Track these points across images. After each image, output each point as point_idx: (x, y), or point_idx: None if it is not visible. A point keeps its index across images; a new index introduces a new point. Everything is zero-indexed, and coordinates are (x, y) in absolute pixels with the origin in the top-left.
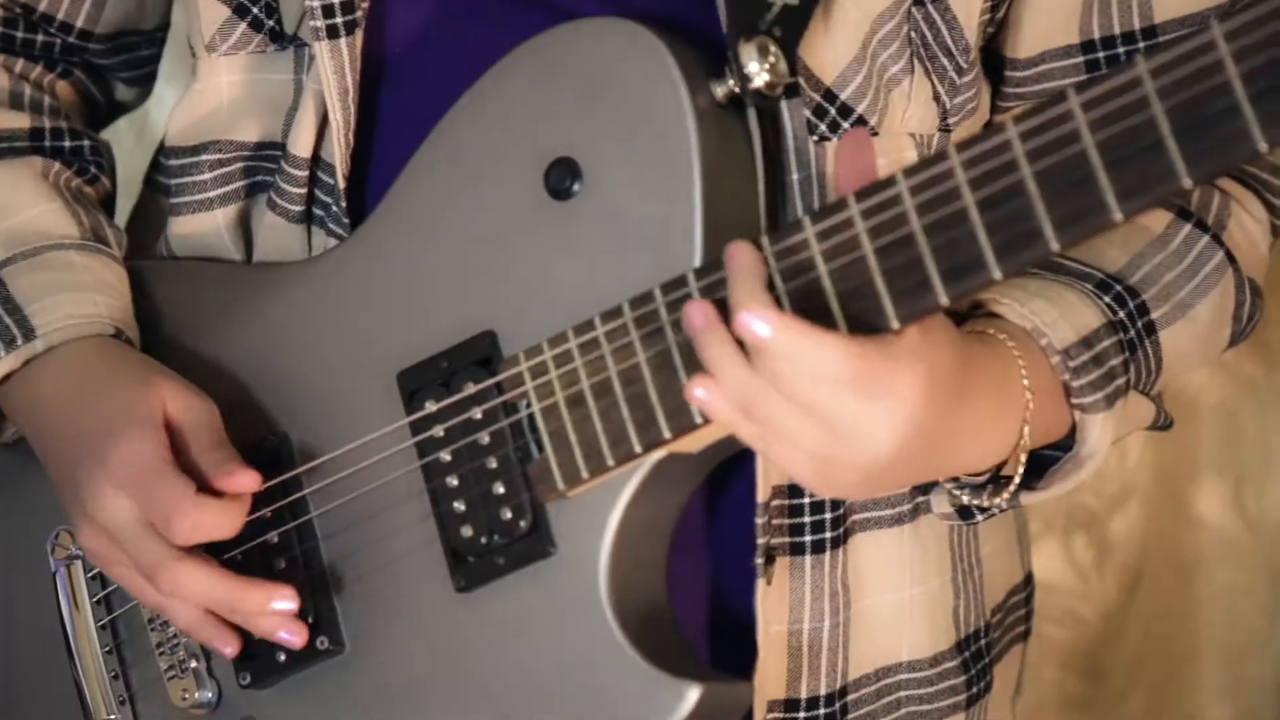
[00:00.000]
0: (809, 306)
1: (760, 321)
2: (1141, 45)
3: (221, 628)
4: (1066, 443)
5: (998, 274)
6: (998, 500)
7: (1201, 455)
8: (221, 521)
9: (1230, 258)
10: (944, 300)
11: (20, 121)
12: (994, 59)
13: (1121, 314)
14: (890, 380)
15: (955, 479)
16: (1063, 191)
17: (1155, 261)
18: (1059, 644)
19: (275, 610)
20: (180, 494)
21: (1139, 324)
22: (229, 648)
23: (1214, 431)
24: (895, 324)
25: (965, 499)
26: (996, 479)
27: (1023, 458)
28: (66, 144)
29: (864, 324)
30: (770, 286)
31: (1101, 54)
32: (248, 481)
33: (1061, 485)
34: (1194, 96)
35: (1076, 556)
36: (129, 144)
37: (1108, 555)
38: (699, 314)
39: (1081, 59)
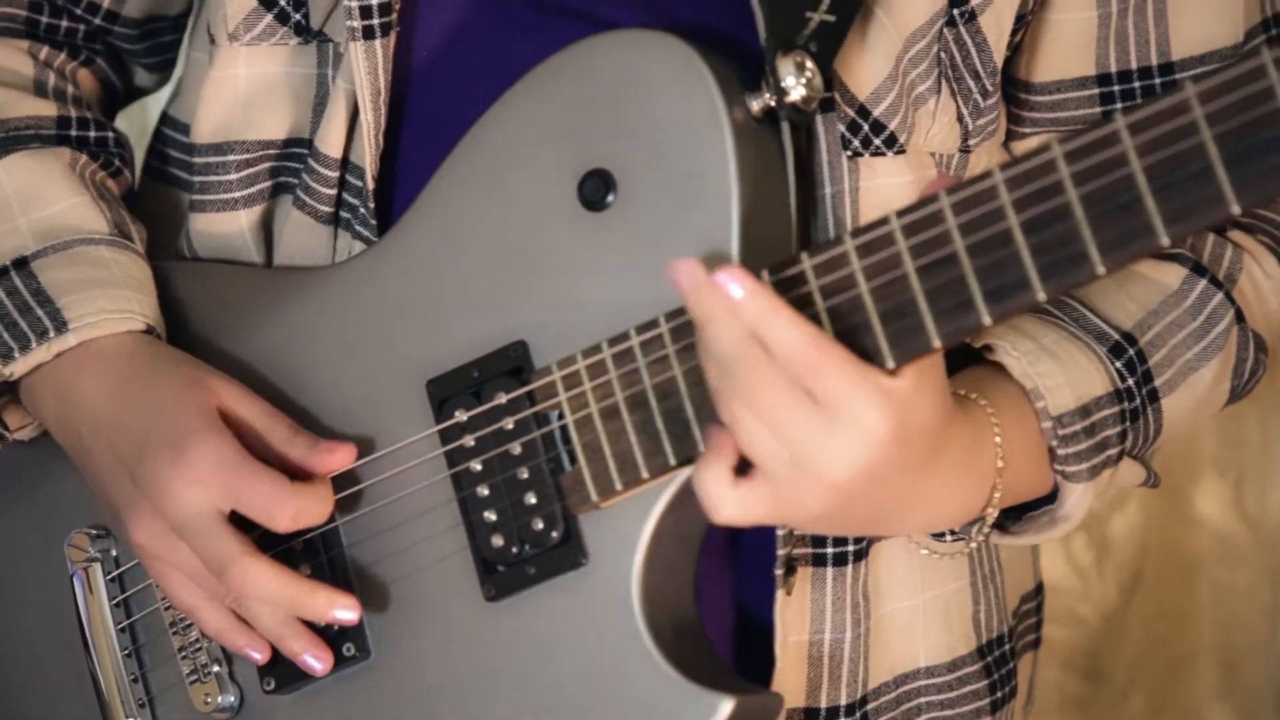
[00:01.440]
0: (850, 324)
1: (735, 284)
2: (1158, 81)
3: (252, 634)
4: (1051, 497)
5: (1042, 295)
6: (969, 544)
7: (1201, 455)
8: (320, 506)
9: (1239, 316)
10: (987, 320)
11: (48, 109)
12: (1008, 81)
13: (1130, 381)
14: (857, 411)
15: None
16: (1109, 215)
17: (1168, 320)
18: (1059, 644)
19: (336, 618)
20: (277, 484)
21: (1144, 391)
22: (259, 654)
23: (1214, 432)
24: (936, 342)
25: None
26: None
27: (990, 517)
28: (91, 134)
29: (904, 342)
30: (809, 304)
31: (1117, 87)
32: (347, 455)
33: (1035, 536)
34: (1245, 124)
35: (1076, 556)
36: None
37: (1108, 555)
38: (685, 274)
39: (1097, 91)
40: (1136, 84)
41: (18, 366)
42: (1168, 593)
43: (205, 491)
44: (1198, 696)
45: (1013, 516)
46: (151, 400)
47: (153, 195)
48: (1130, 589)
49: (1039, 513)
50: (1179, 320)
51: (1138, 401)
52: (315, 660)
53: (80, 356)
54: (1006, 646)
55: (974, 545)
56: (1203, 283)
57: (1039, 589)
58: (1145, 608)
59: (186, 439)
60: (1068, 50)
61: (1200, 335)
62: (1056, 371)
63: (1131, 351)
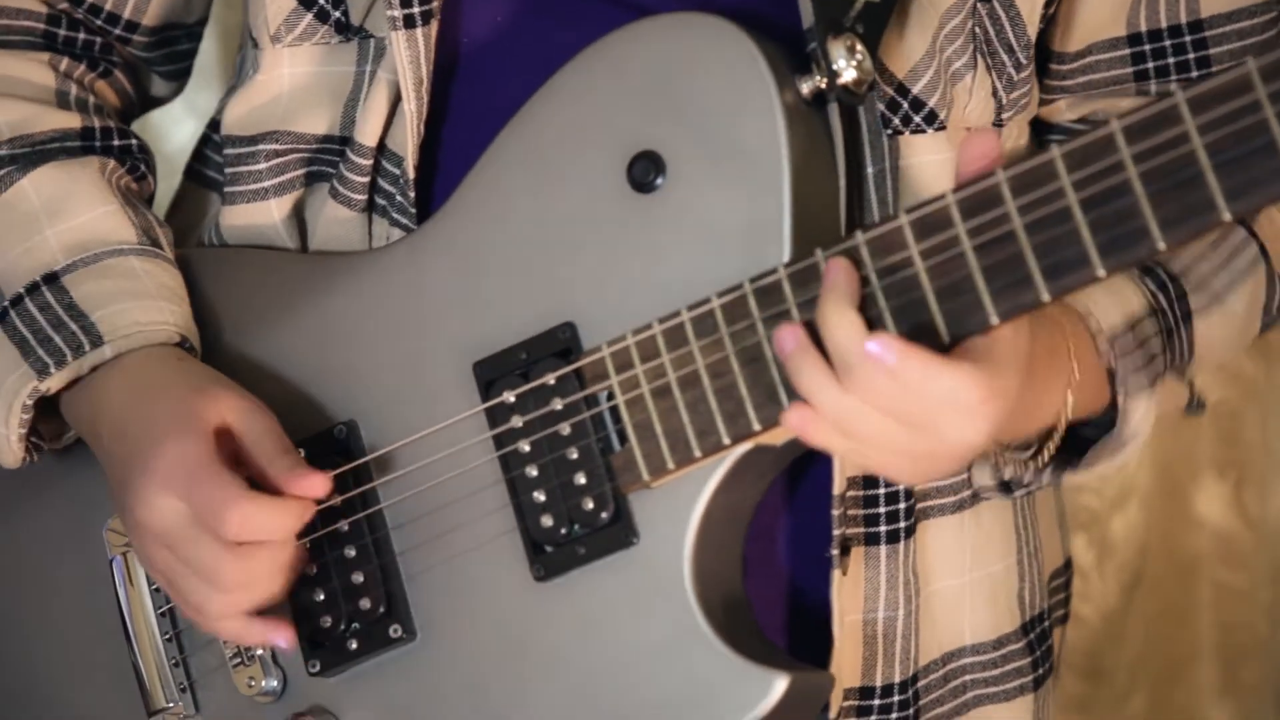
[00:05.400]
0: (904, 301)
1: (889, 351)
2: (1189, 39)
3: (270, 620)
4: (1104, 419)
5: (1101, 272)
6: (1040, 473)
7: (1201, 455)
8: (271, 518)
9: (1263, 252)
10: (1046, 297)
11: (71, 121)
12: (1040, 53)
13: (1162, 299)
14: (998, 388)
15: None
16: (1169, 191)
17: (1193, 253)
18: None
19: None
20: (228, 488)
21: (1178, 310)
22: (282, 639)
23: (1214, 431)
24: (994, 319)
25: (1007, 474)
26: (1037, 453)
27: (1061, 427)
28: (115, 142)
29: (961, 320)
30: (865, 283)
31: (1148, 46)
32: (317, 484)
33: (1107, 463)
34: (1232, 134)
35: (1077, 556)
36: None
37: (1108, 555)
38: (790, 338)
39: (1128, 51)
40: (1167, 42)
41: (53, 381)
42: (1168, 593)
43: (174, 497)
44: (1198, 696)
45: (1075, 454)
46: (149, 412)
47: (192, 197)
48: (1130, 589)
49: (1101, 441)
50: (1203, 253)
51: (1171, 320)
52: (279, 638)
53: (112, 369)
54: (1045, 623)
55: (1045, 459)
56: None
57: (1068, 564)
58: (1145, 608)
59: (156, 447)
60: (1100, 16)
61: (1225, 266)
62: (1099, 293)
63: (1163, 274)
